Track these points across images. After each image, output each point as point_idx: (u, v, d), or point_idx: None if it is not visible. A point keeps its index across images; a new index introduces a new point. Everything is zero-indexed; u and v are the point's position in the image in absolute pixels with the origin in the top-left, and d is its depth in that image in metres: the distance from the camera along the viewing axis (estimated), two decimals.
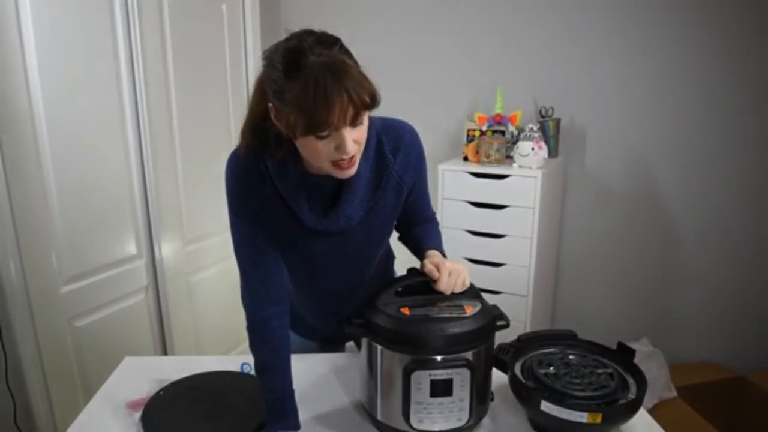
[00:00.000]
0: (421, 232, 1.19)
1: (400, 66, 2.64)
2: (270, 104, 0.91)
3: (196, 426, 1.06)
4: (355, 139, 0.89)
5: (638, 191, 2.38)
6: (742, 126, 2.17)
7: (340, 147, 0.88)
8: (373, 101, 0.88)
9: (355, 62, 0.90)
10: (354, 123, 0.88)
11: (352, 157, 0.91)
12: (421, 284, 1.03)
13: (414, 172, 1.09)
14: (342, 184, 1.01)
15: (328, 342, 1.35)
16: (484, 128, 2.31)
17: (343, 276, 1.16)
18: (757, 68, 2.10)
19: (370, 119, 1.02)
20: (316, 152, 0.90)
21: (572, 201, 2.49)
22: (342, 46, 0.90)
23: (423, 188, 1.16)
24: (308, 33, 0.89)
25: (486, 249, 2.20)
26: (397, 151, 1.05)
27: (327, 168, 0.93)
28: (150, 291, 2.17)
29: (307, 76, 0.83)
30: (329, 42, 0.88)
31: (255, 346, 1.06)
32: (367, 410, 1.06)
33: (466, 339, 0.95)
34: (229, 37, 2.40)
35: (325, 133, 0.87)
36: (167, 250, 2.18)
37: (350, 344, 1.37)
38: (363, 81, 0.87)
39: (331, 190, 1.02)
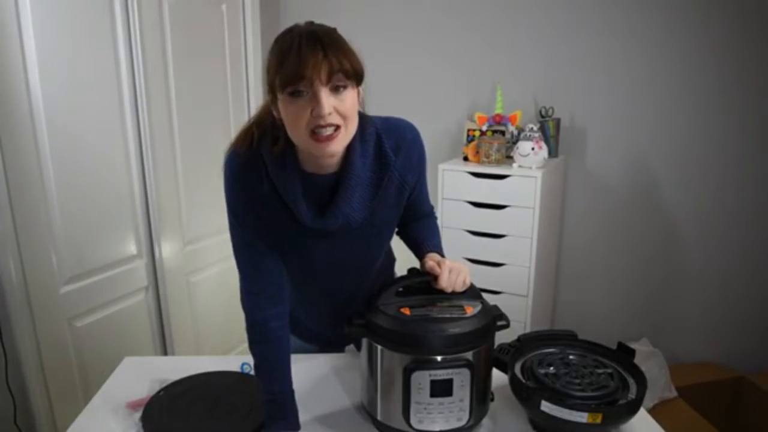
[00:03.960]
0: (421, 231, 1.19)
1: (400, 66, 2.63)
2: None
3: (196, 426, 1.06)
4: (335, 106, 0.88)
5: (638, 191, 2.38)
6: (743, 126, 2.17)
7: (315, 108, 0.87)
8: (356, 73, 0.90)
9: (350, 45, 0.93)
10: (331, 84, 0.87)
11: (333, 133, 0.89)
12: (422, 284, 1.03)
13: (416, 171, 1.08)
14: (339, 181, 0.99)
15: (328, 346, 1.35)
16: (484, 128, 2.31)
17: (344, 278, 1.15)
18: (759, 67, 2.10)
19: (370, 118, 1.02)
20: (294, 116, 0.89)
21: (572, 201, 2.49)
22: (336, 30, 0.93)
23: (423, 185, 1.16)
24: (308, 21, 0.94)
25: (486, 249, 2.20)
26: (398, 150, 1.03)
27: (306, 141, 0.91)
28: (150, 291, 2.17)
29: (291, 36, 0.88)
30: (322, 24, 0.93)
31: (254, 346, 1.06)
32: (367, 410, 1.06)
33: (466, 339, 0.95)
34: (229, 37, 2.40)
35: (300, 89, 0.87)
36: (167, 250, 2.18)
37: (350, 347, 1.37)
38: (347, 50, 0.89)
39: (328, 189, 1.01)
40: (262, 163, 0.98)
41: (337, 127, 0.90)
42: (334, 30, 0.92)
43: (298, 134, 0.91)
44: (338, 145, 0.92)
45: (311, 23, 0.93)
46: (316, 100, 0.87)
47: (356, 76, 0.90)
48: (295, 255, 1.08)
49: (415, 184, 1.09)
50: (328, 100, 0.87)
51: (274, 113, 0.94)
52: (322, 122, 0.87)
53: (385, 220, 1.10)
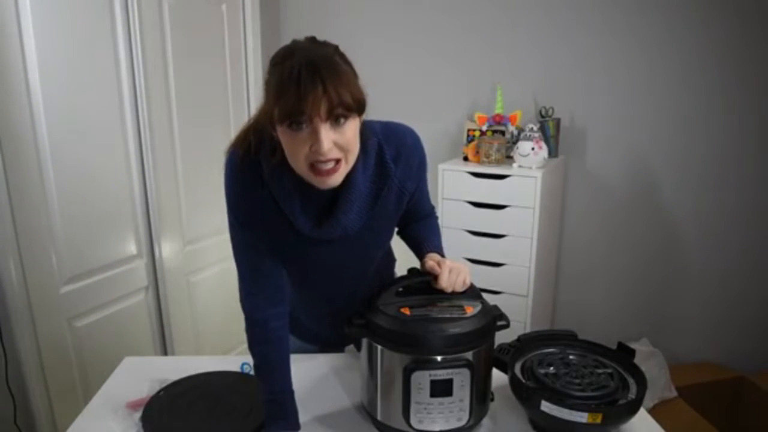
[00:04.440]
0: (421, 231, 1.19)
1: (400, 66, 2.63)
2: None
3: (196, 426, 1.06)
4: (335, 141, 0.86)
5: (638, 191, 2.38)
6: (743, 126, 2.17)
7: (314, 145, 0.85)
8: (357, 104, 0.87)
9: (351, 67, 0.90)
10: (331, 119, 0.85)
11: (334, 166, 0.88)
12: (422, 284, 1.03)
13: (416, 178, 1.07)
14: (338, 194, 0.98)
15: (328, 346, 1.35)
16: (484, 128, 2.31)
17: (342, 281, 1.15)
18: (759, 67, 2.10)
19: (371, 126, 1.01)
20: (293, 148, 0.88)
21: (572, 201, 2.49)
22: (337, 50, 0.90)
23: (423, 187, 1.15)
24: (309, 37, 0.91)
25: (486, 249, 2.20)
26: (398, 158, 1.02)
27: (306, 173, 0.90)
28: (150, 291, 2.17)
29: (291, 64, 0.84)
30: (323, 43, 0.90)
31: (254, 347, 1.06)
32: (367, 410, 1.06)
33: (466, 339, 0.95)
34: (229, 37, 2.40)
35: (299, 124, 0.85)
36: (167, 250, 2.18)
37: (350, 347, 1.37)
38: (348, 81, 0.86)
39: (327, 200, 0.99)
40: (260, 168, 0.97)
41: (338, 161, 0.89)
42: (335, 52, 0.89)
43: (297, 165, 0.90)
44: (339, 179, 0.91)
45: (312, 41, 0.90)
46: (315, 136, 0.85)
47: (358, 108, 0.88)
48: (293, 260, 1.08)
49: (414, 189, 1.09)
50: (327, 135, 0.85)
51: (273, 134, 0.92)
52: (321, 158, 0.87)
53: (384, 226, 1.10)
